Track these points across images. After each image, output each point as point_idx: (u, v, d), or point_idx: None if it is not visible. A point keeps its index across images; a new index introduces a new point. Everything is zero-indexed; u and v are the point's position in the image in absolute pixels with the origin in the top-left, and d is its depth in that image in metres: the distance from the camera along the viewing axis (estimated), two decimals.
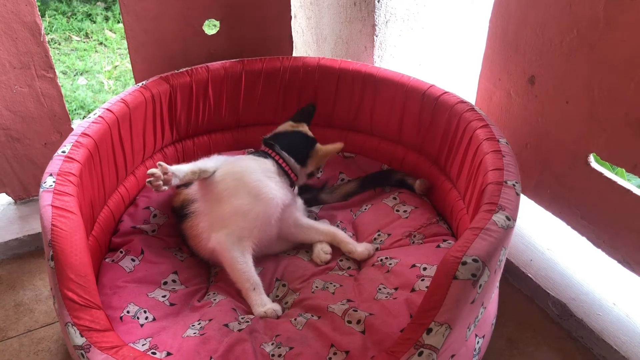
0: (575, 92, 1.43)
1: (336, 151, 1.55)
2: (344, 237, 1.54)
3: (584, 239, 1.51)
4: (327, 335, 1.25)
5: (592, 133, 1.41)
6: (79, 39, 3.40)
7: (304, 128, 1.60)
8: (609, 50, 1.31)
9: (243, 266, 1.39)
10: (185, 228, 1.50)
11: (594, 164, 1.44)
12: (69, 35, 3.41)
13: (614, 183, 1.39)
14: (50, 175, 1.31)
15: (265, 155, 1.51)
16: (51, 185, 1.28)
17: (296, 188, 1.56)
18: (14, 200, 1.83)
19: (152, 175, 1.33)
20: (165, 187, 1.35)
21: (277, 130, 1.60)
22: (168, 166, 1.35)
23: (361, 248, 1.52)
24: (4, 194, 1.80)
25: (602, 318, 1.42)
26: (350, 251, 1.52)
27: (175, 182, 1.37)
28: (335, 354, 1.21)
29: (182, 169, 1.39)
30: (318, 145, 1.54)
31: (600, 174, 1.42)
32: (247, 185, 1.42)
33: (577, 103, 1.43)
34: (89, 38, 3.44)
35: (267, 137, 1.58)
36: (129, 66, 3.07)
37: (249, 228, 1.40)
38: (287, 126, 1.61)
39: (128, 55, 1.75)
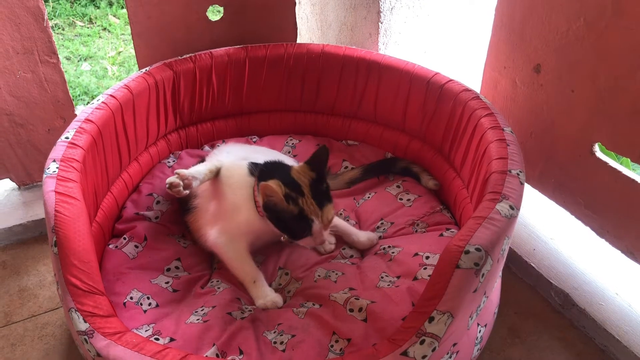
0: (581, 80, 1.41)
1: (272, 191, 1.30)
2: (347, 228, 1.53)
3: (587, 228, 1.51)
4: (328, 323, 1.25)
5: (597, 122, 1.40)
6: (82, 24, 3.39)
7: (300, 169, 1.39)
8: (616, 39, 1.30)
9: (241, 263, 1.40)
10: (188, 221, 1.51)
11: (599, 153, 1.43)
12: (73, 21, 3.40)
13: (618, 173, 1.38)
14: (54, 161, 1.31)
15: (256, 172, 1.42)
16: (54, 171, 1.28)
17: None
18: (17, 186, 1.84)
19: (171, 183, 1.34)
20: (187, 192, 1.37)
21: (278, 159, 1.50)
22: (186, 172, 1.36)
23: (364, 238, 1.51)
24: (8, 179, 1.81)
25: (604, 308, 1.42)
26: (353, 242, 1.52)
27: (196, 184, 1.39)
28: (337, 341, 1.21)
29: (200, 170, 1.40)
30: (269, 181, 1.31)
31: (605, 163, 1.41)
32: (232, 195, 1.42)
33: (583, 92, 1.42)
34: (93, 23, 3.42)
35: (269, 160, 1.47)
36: (133, 52, 3.06)
37: (236, 233, 1.40)
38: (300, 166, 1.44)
39: (132, 41, 1.74)
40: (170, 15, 1.74)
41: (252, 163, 1.45)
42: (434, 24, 1.98)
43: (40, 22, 1.61)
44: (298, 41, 1.99)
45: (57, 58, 1.68)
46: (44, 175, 1.28)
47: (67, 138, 1.38)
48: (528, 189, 1.65)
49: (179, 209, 1.57)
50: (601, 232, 1.47)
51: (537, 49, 1.51)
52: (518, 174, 1.28)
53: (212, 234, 1.42)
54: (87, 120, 1.44)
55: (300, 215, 1.31)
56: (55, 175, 1.27)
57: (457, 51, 2.06)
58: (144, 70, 1.66)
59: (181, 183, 1.35)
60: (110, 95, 1.53)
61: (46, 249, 1.68)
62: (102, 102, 1.50)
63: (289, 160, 1.55)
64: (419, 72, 1.68)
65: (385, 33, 1.91)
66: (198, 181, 1.39)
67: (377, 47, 1.94)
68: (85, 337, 1.11)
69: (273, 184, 1.29)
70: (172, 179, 1.35)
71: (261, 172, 1.40)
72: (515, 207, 1.20)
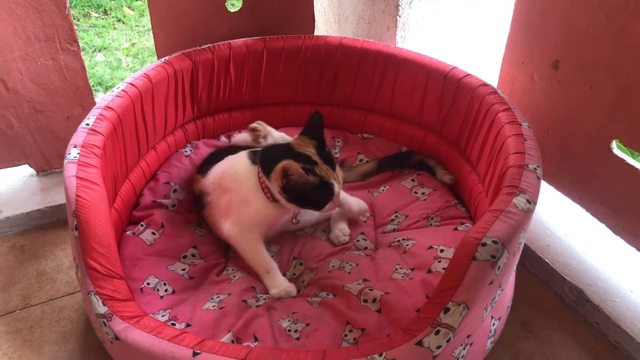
0: (600, 77, 1.41)
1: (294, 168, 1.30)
2: (343, 199, 1.53)
3: (603, 225, 1.51)
4: (342, 313, 1.26)
5: (615, 119, 1.40)
6: (97, 15, 3.41)
7: (299, 141, 1.41)
8: (638, 35, 1.29)
9: (254, 254, 1.41)
10: (205, 216, 1.52)
11: (616, 150, 1.43)
12: (88, 12, 3.41)
13: (636, 170, 1.38)
14: (75, 146, 1.33)
15: (257, 159, 1.43)
16: (75, 157, 1.30)
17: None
18: (36, 172, 1.86)
19: (254, 127, 1.53)
20: (262, 140, 1.53)
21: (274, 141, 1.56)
22: (265, 125, 1.56)
23: (356, 208, 1.55)
24: (27, 165, 1.83)
25: (618, 305, 1.42)
26: (346, 211, 1.55)
27: (270, 140, 1.55)
28: (351, 331, 1.22)
29: (276, 132, 1.58)
30: (284, 162, 1.31)
31: (623, 160, 1.41)
32: (239, 189, 1.43)
33: (602, 88, 1.41)
34: (108, 15, 3.43)
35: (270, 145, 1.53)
36: (147, 44, 3.07)
37: (248, 224, 1.42)
38: (286, 139, 1.52)
39: (146, 33, 1.75)
40: (189, 6, 1.75)
41: (251, 152, 1.47)
42: (453, 19, 1.97)
43: (62, 9, 1.63)
44: (315, 34, 1.99)
45: (78, 46, 1.70)
46: (65, 161, 1.30)
47: (87, 124, 1.39)
48: (543, 185, 1.64)
49: (196, 205, 1.58)
50: (617, 229, 1.47)
51: (556, 45, 1.51)
52: (535, 169, 1.28)
53: (226, 227, 1.43)
54: (108, 107, 1.45)
55: (321, 183, 1.33)
56: (76, 161, 1.29)
57: (475, 46, 2.06)
58: (163, 59, 1.67)
59: (261, 130, 1.53)
60: (130, 84, 1.54)
61: (63, 235, 1.70)
62: (122, 90, 1.52)
63: None
64: (437, 66, 1.68)
65: (403, 27, 1.91)
66: (272, 139, 1.54)
67: (395, 41, 1.94)
68: (104, 320, 1.13)
69: (290, 163, 1.29)
70: (255, 125, 1.56)
71: (262, 158, 1.40)
72: (532, 201, 1.21)
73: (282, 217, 1.45)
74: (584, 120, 1.49)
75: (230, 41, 1.77)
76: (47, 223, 1.74)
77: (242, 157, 1.47)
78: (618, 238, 1.47)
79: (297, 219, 1.49)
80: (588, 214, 1.55)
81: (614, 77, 1.37)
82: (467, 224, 1.51)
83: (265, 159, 1.39)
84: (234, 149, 1.56)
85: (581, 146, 1.51)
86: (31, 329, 1.41)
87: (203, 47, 1.74)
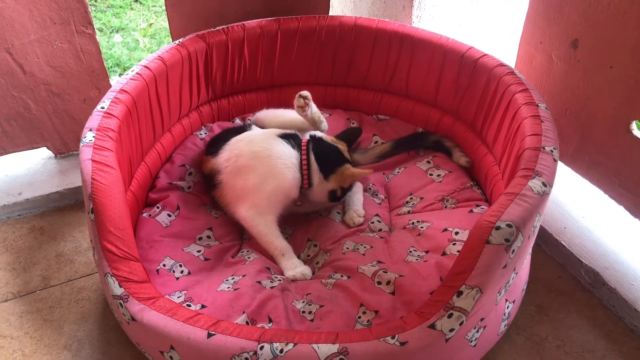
0: (620, 56, 1.38)
1: (363, 175, 1.51)
2: (353, 196, 1.60)
3: (621, 207, 1.49)
4: (356, 294, 1.26)
5: (636, 99, 1.36)
6: None
7: (343, 146, 1.57)
8: None
9: (269, 237, 1.43)
10: (216, 196, 1.53)
11: (636, 131, 1.40)
12: None
13: None
14: (90, 130, 1.34)
15: (296, 145, 1.50)
16: (91, 140, 1.31)
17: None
18: (54, 155, 1.88)
19: (306, 96, 1.52)
20: (305, 111, 1.54)
21: (319, 135, 1.59)
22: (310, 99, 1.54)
23: (353, 208, 1.58)
24: (45, 148, 1.85)
25: (635, 288, 1.40)
26: (346, 205, 1.60)
27: (308, 111, 1.55)
28: (364, 313, 1.23)
29: (315, 107, 1.58)
30: (347, 166, 1.50)
31: None
32: (265, 167, 1.45)
33: (622, 68, 1.38)
34: None
35: (310, 134, 1.58)
36: (164, 24, 3.07)
37: (266, 205, 1.44)
38: (328, 138, 1.59)
39: (163, 13, 1.75)
40: None
41: (284, 134, 1.51)
42: None
43: None
44: (330, 13, 1.97)
45: (93, 29, 1.70)
46: (81, 144, 1.31)
47: (102, 108, 1.40)
48: (560, 167, 1.62)
49: (205, 184, 1.59)
50: (635, 212, 1.45)
51: (576, 24, 1.47)
52: (552, 151, 1.27)
53: (241, 210, 1.44)
54: (122, 90, 1.46)
55: None
56: (92, 144, 1.30)
57: (492, 25, 2.02)
58: (177, 41, 1.67)
59: (310, 100, 1.53)
60: (145, 67, 1.54)
61: (82, 216, 1.72)
62: (137, 73, 1.52)
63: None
64: (453, 46, 1.65)
65: (419, 6, 1.88)
66: (310, 111, 1.55)
67: (411, 20, 1.91)
68: (121, 301, 1.15)
69: (361, 172, 1.49)
70: (306, 93, 1.53)
71: (319, 155, 1.49)
72: (548, 184, 1.19)
73: (292, 200, 1.49)
74: (603, 101, 1.46)
75: (244, 22, 1.76)
76: (66, 205, 1.76)
77: (271, 137, 1.50)
78: (636, 220, 1.45)
79: (299, 203, 1.53)
80: (606, 196, 1.52)
81: (635, 56, 1.34)
82: (482, 206, 1.50)
83: (323, 157, 1.49)
84: (240, 130, 1.59)
85: (600, 127, 1.48)
86: (51, 309, 1.44)
87: (217, 28, 1.73)
